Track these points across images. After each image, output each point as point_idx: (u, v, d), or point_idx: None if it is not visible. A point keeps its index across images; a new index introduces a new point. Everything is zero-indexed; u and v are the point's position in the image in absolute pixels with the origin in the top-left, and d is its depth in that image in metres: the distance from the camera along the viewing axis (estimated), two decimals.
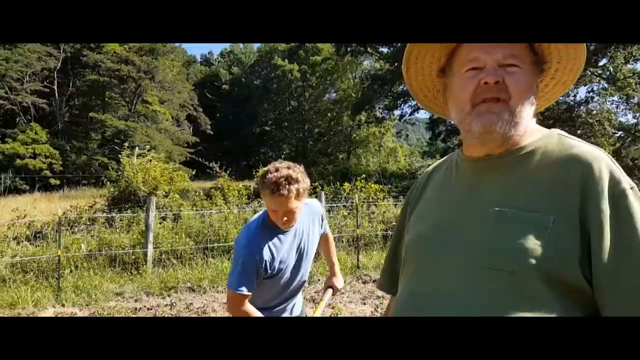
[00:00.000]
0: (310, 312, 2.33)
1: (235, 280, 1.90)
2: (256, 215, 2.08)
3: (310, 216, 2.17)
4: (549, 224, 0.84)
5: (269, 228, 1.99)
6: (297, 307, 2.28)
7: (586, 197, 0.84)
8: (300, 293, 2.29)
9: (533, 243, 0.83)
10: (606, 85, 18.03)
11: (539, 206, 0.86)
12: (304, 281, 2.24)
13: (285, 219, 1.92)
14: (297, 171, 1.89)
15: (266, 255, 1.94)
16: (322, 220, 2.30)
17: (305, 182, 1.90)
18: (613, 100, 18.84)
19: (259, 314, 1.98)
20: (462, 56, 0.97)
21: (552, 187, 0.87)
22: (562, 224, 0.83)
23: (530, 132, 0.96)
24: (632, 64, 17.47)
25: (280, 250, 2.00)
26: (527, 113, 0.93)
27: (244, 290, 1.89)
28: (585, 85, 18.23)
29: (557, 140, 0.95)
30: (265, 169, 1.92)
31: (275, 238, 2.00)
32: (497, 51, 0.93)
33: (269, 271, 1.97)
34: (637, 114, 18.76)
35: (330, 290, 2.39)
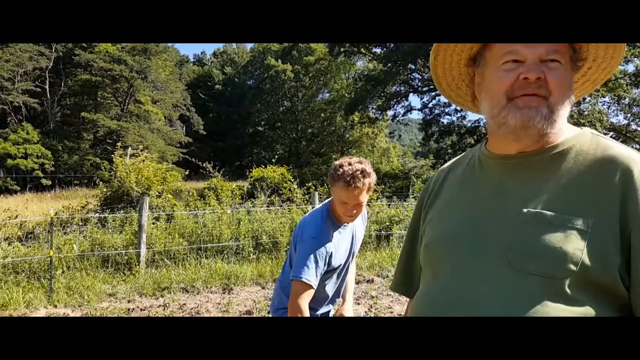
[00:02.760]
0: None
1: (305, 270, 1.92)
2: (318, 208, 2.12)
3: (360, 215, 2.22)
4: (589, 228, 0.81)
5: (333, 221, 2.05)
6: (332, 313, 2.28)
7: (626, 201, 0.81)
8: (335, 303, 2.27)
9: (573, 247, 0.81)
10: (598, 86, 18.16)
11: (578, 209, 0.83)
12: (344, 285, 2.25)
13: (354, 211, 1.97)
14: (369, 165, 1.96)
15: (333, 246, 1.99)
16: (365, 222, 2.33)
17: (374, 177, 1.96)
18: (604, 101, 19.00)
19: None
20: (499, 47, 0.92)
21: (590, 190, 0.84)
22: (602, 228, 0.81)
23: (562, 130, 0.93)
24: (623, 65, 17.64)
25: (341, 244, 2.05)
26: (564, 111, 0.90)
27: (310, 281, 1.92)
28: None
29: (591, 139, 0.91)
30: (337, 162, 1.98)
31: (337, 231, 2.05)
32: (540, 46, 0.87)
33: (331, 264, 2.01)
34: (629, 115, 18.94)
35: None
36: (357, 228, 2.20)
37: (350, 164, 1.93)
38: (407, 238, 1.22)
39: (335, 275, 2.12)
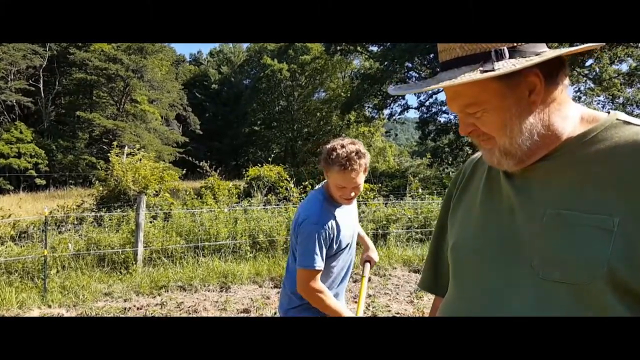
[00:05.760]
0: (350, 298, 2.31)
1: (310, 257, 1.89)
2: (314, 193, 2.06)
3: None
4: (614, 227, 0.73)
5: (332, 203, 2.00)
6: (343, 295, 2.23)
7: None
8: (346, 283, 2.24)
9: (597, 250, 0.74)
10: (592, 85, 18.32)
11: (602, 206, 0.75)
12: (352, 267, 2.22)
13: (352, 194, 1.94)
14: (362, 145, 1.93)
15: (335, 229, 1.95)
16: None
17: (369, 156, 1.94)
18: (599, 100, 19.15)
19: (328, 292, 1.95)
20: None
21: (615, 183, 0.76)
22: (629, 225, 0.72)
23: (580, 120, 0.86)
24: (617, 65, 17.79)
25: (343, 225, 2.01)
26: (526, 131, 0.83)
27: (318, 266, 1.89)
28: (572, 85, 18.49)
29: (618, 127, 0.82)
30: (329, 146, 1.93)
31: (338, 213, 2.00)
32: (454, 105, 0.88)
33: (335, 247, 1.97)
34: None
35: (368, 265, 2.34)
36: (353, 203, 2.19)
37: (343, 147, 1.88)
38: (435, 232, 1.16)
39: (345, 252, 2.09)
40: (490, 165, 0.98)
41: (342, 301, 2.17)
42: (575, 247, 0.76)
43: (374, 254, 2.39)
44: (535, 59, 0.79)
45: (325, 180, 2.04)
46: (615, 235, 0.73)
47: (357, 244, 2.34)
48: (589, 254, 0.74)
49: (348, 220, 2.06)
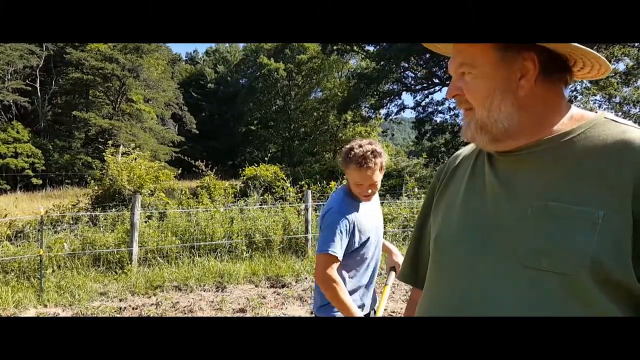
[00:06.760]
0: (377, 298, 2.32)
1: (328, 242, 1.98)
2: (338, 190, 2.20)
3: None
4: (599, 219, 0.75)
5: (353, 198, 2.11)
6: (371, 299, 2.23)
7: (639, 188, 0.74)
8: (373, 285, 2.26)
9: (583, 241, 0.75)
10: (589, 84, 18.35)
11: (588, 199, 0.77)
12: (377, 267, 2.26)
13: (370, 191, 2.05)
14: (378, 145, 2.03)
15: (356, 219, 2.05)
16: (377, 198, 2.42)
17: (386, 155, 2.04)
18: (596, 100, 19.18)
19: (343, 285, 1.99)
20: None
21: (601, 178, 0.77)
22: (613, 218, 0.74)
23: (569, 117, 0.87)
24: (614, 64, 17.82)
25: (364, 219, 2.10)
26: (505, 111, 0.85)
27: (336, 252, 1.97)
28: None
29: (605, 124, 0.84)
30: (347, 146, 2.05)
31: (359, 207, 2.11)
32: (453, 63, 0.90)
33: (356, 240, 2.05)
34: (619, 114, 19.10)
35: (393, 273, 2.32)
36: (376, 202, 2.27)
37: (360, 146, 2.00)
38: (416, 225, 1.18)
39: (367, 247, 2.13)
40: (475, 160, 1.00)
41: (367, 305, 2.18)
42: (560, 238, 0.77)
43: (399, 258, 2.36)
44: (538, 41, 0.81)
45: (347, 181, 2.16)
46: (600, 228, 0.74)
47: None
48: (573, 246, 0.76)
49: (370, 215, 2.15)
